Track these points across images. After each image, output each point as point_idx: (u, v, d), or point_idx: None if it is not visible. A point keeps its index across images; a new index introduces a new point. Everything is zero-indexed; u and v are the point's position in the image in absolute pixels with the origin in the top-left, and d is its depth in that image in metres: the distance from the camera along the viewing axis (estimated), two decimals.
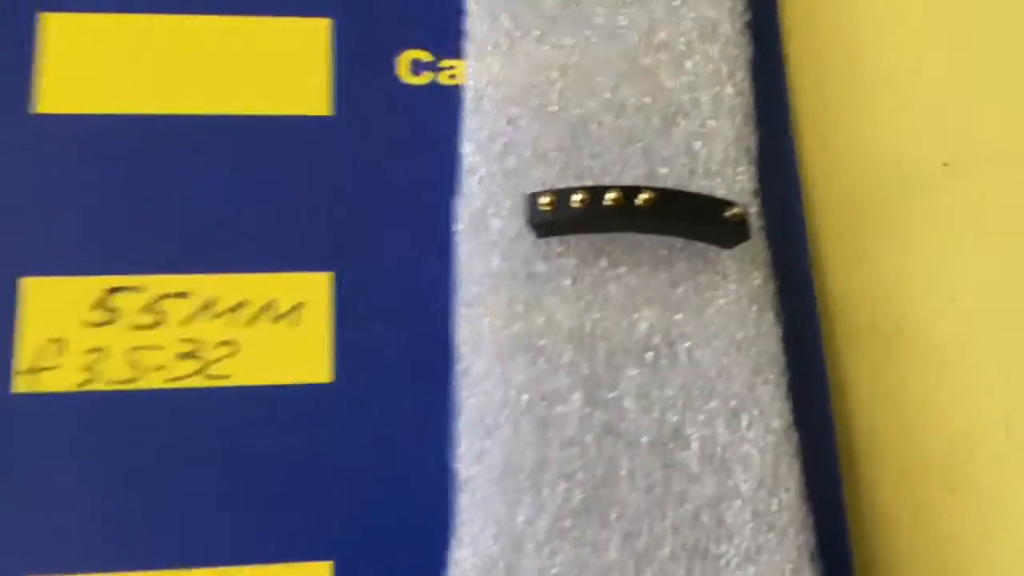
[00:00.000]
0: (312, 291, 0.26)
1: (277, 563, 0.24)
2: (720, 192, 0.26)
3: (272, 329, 0.25)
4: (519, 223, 0.25)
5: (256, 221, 0.26)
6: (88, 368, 0.24)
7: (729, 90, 0.27)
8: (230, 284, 0.25)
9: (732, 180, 0.27)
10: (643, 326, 0.25)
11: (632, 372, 0.25)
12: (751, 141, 0.27)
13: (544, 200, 0.24)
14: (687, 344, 0.25)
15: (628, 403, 0.24)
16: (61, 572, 0.23)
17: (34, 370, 0.24)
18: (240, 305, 0.25)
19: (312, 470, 0.24)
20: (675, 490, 0.24)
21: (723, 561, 0.23)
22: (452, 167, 0.26)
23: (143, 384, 0.24)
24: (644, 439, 0.24)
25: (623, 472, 0.24)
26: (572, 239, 0.25)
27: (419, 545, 0.24)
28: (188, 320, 0.25)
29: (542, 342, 0.25)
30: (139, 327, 0.25)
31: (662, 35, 0.27)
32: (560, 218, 0.24)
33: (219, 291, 0.25)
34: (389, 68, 0.28)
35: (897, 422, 0.27)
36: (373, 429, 0.25)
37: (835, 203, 0.29)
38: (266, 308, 0.25)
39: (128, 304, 0.25)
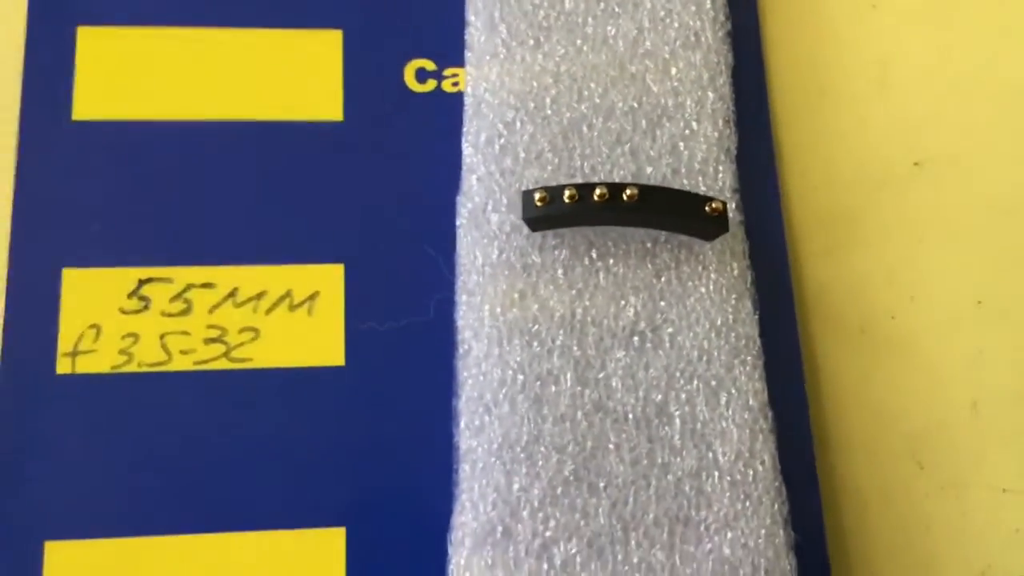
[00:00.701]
0: (326, 281, 0.28)
1: (295, 529, 0.26)
2: (702, 189, 0.28)
3: (289, 316, 0.27)
4: (515, 218, 0.27)
5: (274, 217, 0.28)
6: (123, 352, 0.27)
7: (711, 95, 0.29)
8: (251, 275, 0.28)
9: (714, 178, 0.28)
10: (629, 312, 0.27)
11: (619, 355, 0.27)
12: (732, 142, 0.29)
13: (538, 196, 0.26)
14: (670, 329, 0.27)
15: (616, 383, 0.26)
16: (96, 536, 0.25)
17: (74, 353, 0.26)
18: (260, 294, 0.28)
19: (326, 445, 0.26)
20: (659, 462, 0.26)
21: (703, 527, 0.25)
22: (454, 167, 0.29)
23: (173, 366, 0.27)
24: (630, 416, 0.26)
25: (611, 445, 0.26)
26: (564, 233, 0.27)
27: (424, 511, 0.26)
28: (213, 308, 0.27)
29: (536, 327, 0.27)
30: (169, 314, 0.27)
31: (648, 44, 0.29)
32: (552, 213, 0.26)
33: (241, 282, 0.28)
34: (396, 76, 0.30)
35: (867, 406, 0.29)
36: (382, 407, 0.27)
37: (810, 200, 0.31)
38: (284, 297, 0.28)
39: (159, 293, 0.27)
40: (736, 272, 0.28)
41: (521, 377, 0.26)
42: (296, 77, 0.29)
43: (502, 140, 0.28)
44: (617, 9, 0.30)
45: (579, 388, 0.26)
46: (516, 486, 0.25)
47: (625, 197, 0.26)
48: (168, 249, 0.27)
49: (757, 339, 0.27)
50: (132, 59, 0.29)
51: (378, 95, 0.29)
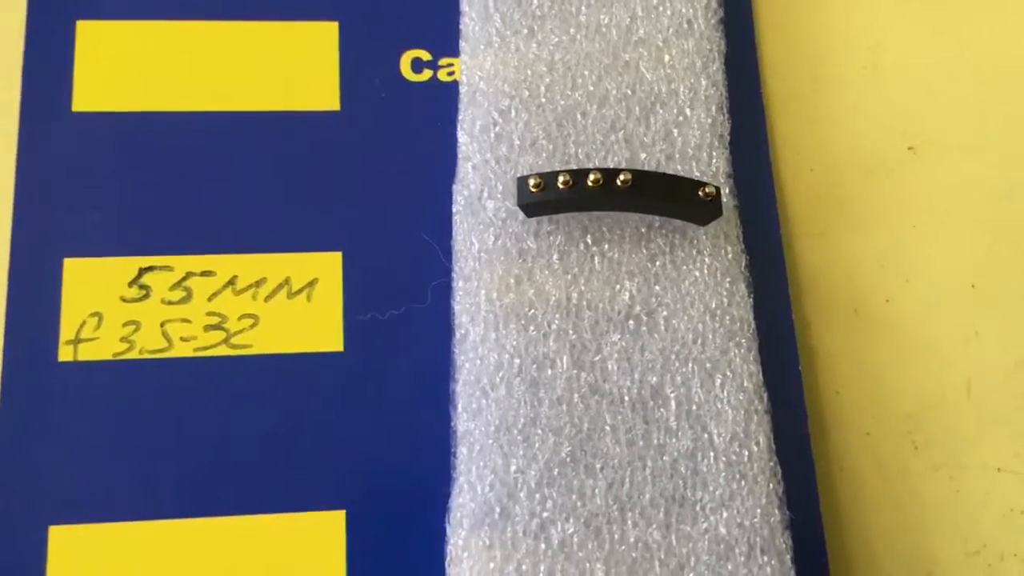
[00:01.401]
0: (324, 269, 0.28)
1: (296, 512, 0.26)
2: (696, 175, 0.28)
3: (289, 303, 0.28)
4: (511, 204, 0.28)
5: (273, 206, 0.28)
6: (125, 339, 0.27)
7: (704, 82, 0.29)
8: (250, 263, 0.28)
9: (707, 164, 0.29)
10: (624, 296, 0.27)
11: (615, 338, 0.27)
12: (725, 128, 0.29)
13: (532, 183, 0.27)
14: (665, 312, 0.27)
15: (611, 365, 0.27)
16: (99, 521, 0.25)
17: (76, 341, 0.27)
18: (260, 282, 0.28)
19: (326, 429, 0.27)
20: (655, 443, 0.26)
21: (699, 507, 0.25)
22: (449, 155, 0.29)
23: (174, 353, 0.27)
24: (626, 398, 0.26)
25: (607, 427, 0.26)
26: (559, 218, 0.28)
27: (423, 494, 0.26)
28: (213, 296, 0.28)
29: (532, 311, 0.27)
30: (170, 302, 0.27)
31: (641, 32, 0.30)
32: (547, 199, 0.27)
33: (241, 269, 0.28)
34: (392, 66, 0.30)
35: (862, 387, 0.29)
36: (380, 392, 0.27)
37: (804, 185, 0.31)
38: (283, 284, 0.28)
39: (159, 282, 0.28)
40: (730, 256, 0.28)
41: (518, 361, 0.26)
42: (293, 68, 0.30)
43: (497, 128, 0.28)
44: None
45: (575, 371, 0.26)
46: (513, 468, 0.25)
47: (619, 182, 0.27)
48: (168, 238, 0.28)
49: (751, 321, 0.27)
50: (130, 52, 0.29)
51: (374, 85, 0.30)
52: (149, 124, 0.29)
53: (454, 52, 0.30)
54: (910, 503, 0.28)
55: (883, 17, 0.33)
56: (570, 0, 0.30)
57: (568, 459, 0.26)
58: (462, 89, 0.29)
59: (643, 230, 0.28)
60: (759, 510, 0.26)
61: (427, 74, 0.30)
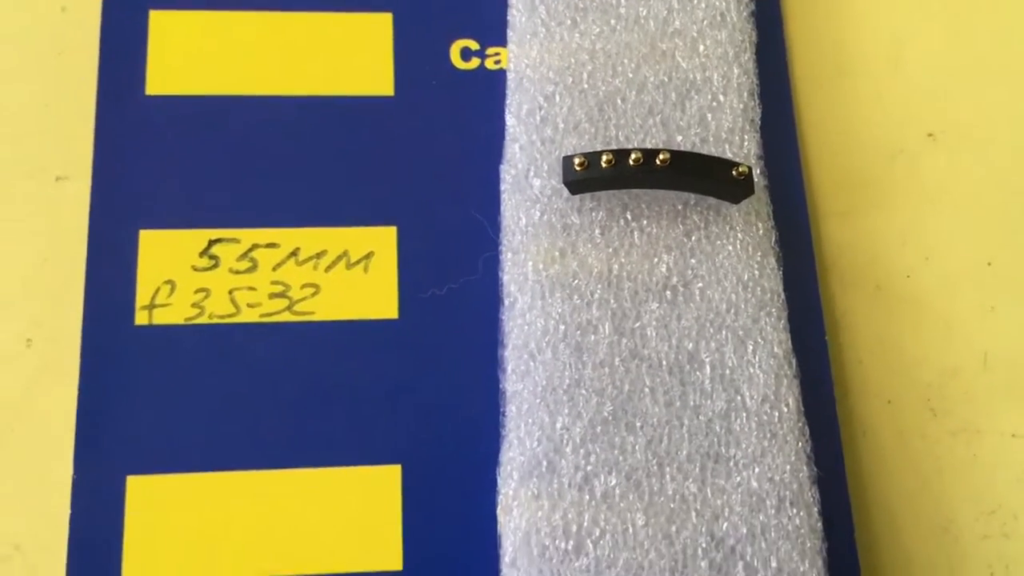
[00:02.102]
0: (380, 242, 0.30)
1: (355, 466, 0.28)
2: (729, 156, 0.30)
3: (347, 274, 0.30)
4: (556, 182, 0.29)
5: (333, 184, 0.30)
6: (195, 305, 0.29)
7: (736, 70, 0.31)
8: (312, 236, 0.30)
9: (739, 146, 0.31)
10: (662, 268, 0.29)
11: (653, 306, 0.29)
12: (756, 113, 0.31)
13: (577, 162, 0.29)
14: (700, 284, 0.29)
15: (650, 332, 0.28)
16: (173, 471, 0.27)
17: (151, 306, 0.29)
18: (320, 254, 0.30)
19: (383, 389, 0.29)
20: (691, 404, 0.28)
21: (732, 463, 0.27)
22: (496, 138, 0.31)
23: (241, 318, 0.29)
24: (664, 362, 0.28)
25: (646, 389, 0.28)
26: (601, 195, 0.30)
27: (474, 448, 0.28)
28: (277, 266, 0.30)
29: (576, 282, 0.29)
30: (237, 271, 0.29)
31: (677, 23, 0.32)
32: (591, 177, 0.29)
33: (303, 242, 0.30)
34: (443, 55, 0.32)
35: (884, 358, 0.31)
36: (433, 355, 0.29)
37: (829, 167, 0.33)
38: (342, 256, 0.30)
39: (228, 253, 0.30)
40: (761, 232, 0.30)
41: (563, 327, 0.28)
42: (350, 56, 0.32)
43: (543, 112, 0.30)
44: None
45: (616, 337, 0.28)
46: (559, 425, 0.27)
47: (658, 162, 0.28)
48: (235, 212, 0.30)
49: (781, 293, 0.29)
50: (201, 40, 0.31)
51: (426, 72, 0.32)
52: (218, 107, 0.31)
53: (501, 42, 0.32)
54: (929, 466, 0.30)
55: (905, 11, 0.35)
56: None
57: (610, 417, 0.27)
58: (510, 76, 0.31)
59: (679, 207, 0.30)
60: (788, 466, 0.27)
61: (475, 62, 0.32)
